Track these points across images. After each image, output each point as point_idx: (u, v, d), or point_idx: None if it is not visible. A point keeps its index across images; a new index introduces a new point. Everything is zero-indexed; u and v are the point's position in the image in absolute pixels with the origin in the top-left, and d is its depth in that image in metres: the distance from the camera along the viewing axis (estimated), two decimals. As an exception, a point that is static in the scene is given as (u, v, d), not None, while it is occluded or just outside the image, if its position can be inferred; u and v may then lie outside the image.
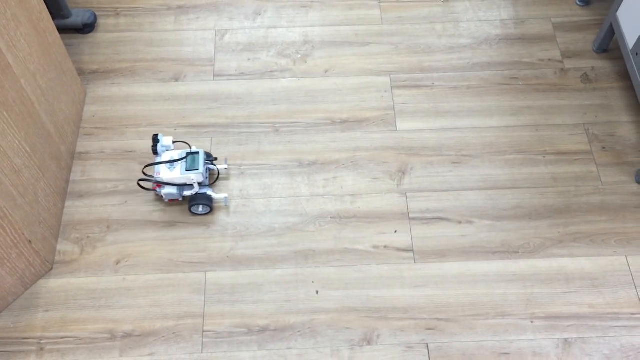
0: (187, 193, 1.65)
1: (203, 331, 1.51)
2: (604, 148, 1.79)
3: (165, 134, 1.82)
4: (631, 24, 1.75)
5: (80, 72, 1.95)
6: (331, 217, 1.67)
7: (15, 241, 1.44)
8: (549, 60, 1.97)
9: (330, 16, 2.09)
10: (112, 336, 1.50)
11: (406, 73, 1.95)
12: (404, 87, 1.92)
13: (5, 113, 1.37)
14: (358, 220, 1.67)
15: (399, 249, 1.62)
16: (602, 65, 1.96)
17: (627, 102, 1.88)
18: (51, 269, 1.60)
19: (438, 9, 2.10)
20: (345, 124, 1.84)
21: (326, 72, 1.95)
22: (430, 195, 1.71)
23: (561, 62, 1.97)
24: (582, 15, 2.09)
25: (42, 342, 1.50)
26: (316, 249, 1.62)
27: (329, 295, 1.55)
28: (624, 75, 1.93)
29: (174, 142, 1.69)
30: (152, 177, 1.64)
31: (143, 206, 1.69)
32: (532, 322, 1.51)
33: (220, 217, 1.67)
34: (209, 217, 1.67)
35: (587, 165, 1.75)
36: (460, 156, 1.78)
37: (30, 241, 1.48)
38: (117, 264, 1.61)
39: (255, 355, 1.47)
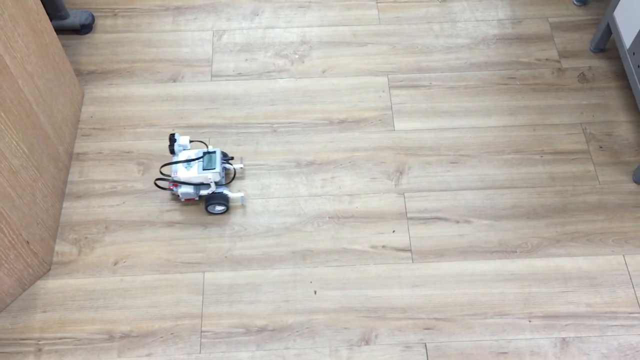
0: (203, 192, 1.65)
1: (201, 331, 1.51)
2: (601, 147, 1.79)
3: (163, 135, 1.82)
4: (628, 24, 1.75)
5: (78, 73, 1.95)
6: (329, 217, 1.67)
7: (13, 242, 1.44)
8: (547, 60, 1.98)
9: (328, 16, 2.09)
10: (110, 337, 1.50)
11: (404, 73, 1.95)
12: (402, 87, 1.92)
13: (2, 114, 1.37)
14: (356, 220, 1.67)
15: (397, 249, 1.62)
16: (599, 64, 1.96)
17: (624, 101, 1.88)
18: (49, 269, 1.60)
19: (435, 9, 2.11)
20: (343, 124, 1.84)
21: (324, 72, 1.96)
22: (428, 195, 1.71)
23: (558, 61, 1.97)
24: (579, 14, 2.09)
25: (40, 343, 1.50)
26: (314, 249, 1.62)
27: (327, 295, 1.55)
28: (621, 75, 1.93)
29: (190, 142, 1.69)
30: (169, 176, 1.64)
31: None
32: (530, 321, 1.51)
33: (218, 217, 1.67)
34: (206, 218, 1.67)
35: (584, 165, 1.76)
36: (458, 156, 1.78)
37: (28, 242, 1.48)
38: (115, 264, 1.60)
39: (254, 355, 1.48)
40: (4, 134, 1.37)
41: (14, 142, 1.42)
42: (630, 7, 1.74)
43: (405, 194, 1.71)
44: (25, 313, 1.54)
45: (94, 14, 2.07)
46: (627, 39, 1.76)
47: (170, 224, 1.66)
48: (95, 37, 2.04)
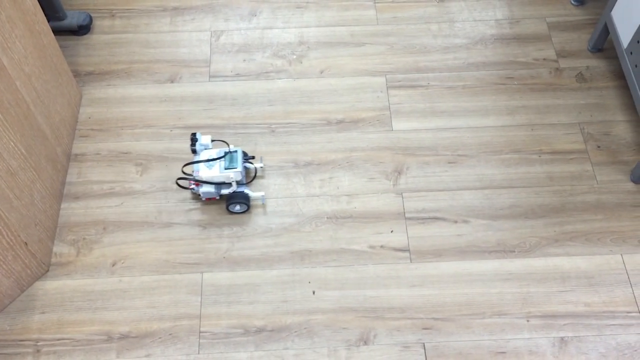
0: (224, 191, 1.65)
1: (200, 332, 1.51)
2: (599, 147, 1.79)
3: (161, 136, 1.82)
4: (625, 23, 1.75)
5: (76, 74, 1.95)
6: (327, 218, 1.67)
7: (11, 243, 1.44)
8: (544, 59, 1.98)
9: (326, 17, 2.09)
10: (109, 338, 1.50)
11: (402, 73, 1.95)
12: (400, 87, 1.92)
13: (0, 115, 1.37)
14: (354, 221, 1.67)
15: (395, 249, 1.62)
16: (596, 64, 1.97)
17: (622, 101, 1.88)
18: (47, 270, 1.60)
19: (433, 9, 2.11)
20: (341, 124, 1.84)
21: (322, 72, 1.96)
22: (426, 194, 1.71)
23: (556, 61, 1.97)
24: (576, 14, 2.09)
25: (38, 344, 1.50)
26: (312, 249, 1.62)
27: (325, 296, 1.55)
28: (619, 75, 1.94)
29: (212, 141, 1.69)
30: (191, 175, 1.63)
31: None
32: (528, 321, 1.51)
33: (216, 217, 1.67)
34: (205, 218, 1.67)
35: (582, 164, 1.76)
36: (456, 156, 1.78)
37: (26, 243, 1.48)
38: (113, 265, 1.60)
39: (252, 355, 1.48)
40: (1, 136, 1.37)
41: (12, 144, 1.42)
42: (628, 7, 1.74)
43: (404, 194, 1.71)
44: (23, 314, 1.54)
45: (92, 15, 2.07)
46: (625, 39, 1.76)
47: (169, 224, 1.66)
48: (93, 38, 2.04)
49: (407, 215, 1.68)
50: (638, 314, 1.52)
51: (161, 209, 1.69)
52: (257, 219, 1.67)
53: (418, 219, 1.67)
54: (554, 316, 1.52)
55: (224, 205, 1.68)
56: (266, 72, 1.96)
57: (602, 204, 1.69)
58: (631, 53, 1.73)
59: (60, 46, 1.93)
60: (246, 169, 1.71)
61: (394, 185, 1.73)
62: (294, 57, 2.00)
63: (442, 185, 1.73)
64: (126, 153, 1.79)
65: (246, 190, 1.66)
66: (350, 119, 1.85)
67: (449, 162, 1.77)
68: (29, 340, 1.50)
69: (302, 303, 1.55)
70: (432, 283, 1.57)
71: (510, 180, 1.73)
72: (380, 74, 1.95)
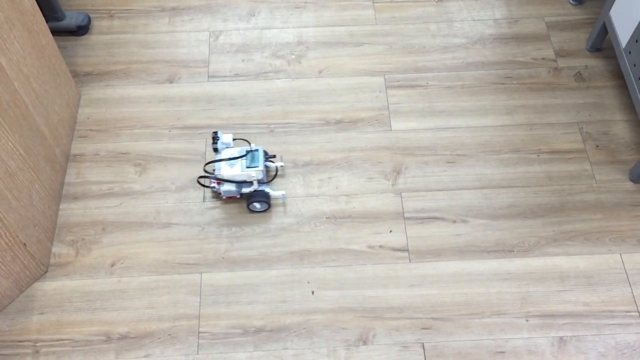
0: (245, 190, 1.65)
1: (199, 332, 1.51)
2: (597, 146, 1.79)
3: (160, 136, 1.82)
4: (624, 23, 1.75)
5: (75, 75, 1.95)
6: (326, 218, 1.67)
7: (10, 244, 1.44)
8: (543, 59, 1.98)
9: (324, 17, 2.09)
10: (108, 338, 1.50)
11: (400, 73, 1.95)
12: (398, 87, 1.92)
13: (-2, 116, 1.37)
14: (353, 221, 1.67)
15: (394, 249, 1.62)
16: (595, 63, 1.97)
17: (620, 100, 1.88)
18: (46, 271, 1.60)
19: (432, 9, 2.11)
20: (340, 124, 1.84)
21: (320, 72, 1.96)
22: (425, 194, 1.71)
23: (555, 61, 1.97)
24: (575, 14, 2.09)
25: (37, 345, 1.49)
26: (311, 249, 1.62)
27: (324, 296, 1.55)
28: (617, 74, 1.94)
29: (234, 140, 1.69)
30: (212, 173, 1.64)
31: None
32: (527, 320, 1.52)
33: (215, 217, 1.67)
34: (203, 219, 1.67)
35: (581, 164, 1.76)
36: (454, 155, 1.78)
37: (24, 244, 1.48)
38: (112, 266, 1.60)
39: (251, 356, 1.48)
40: (0, 136, 1.37)
41: (10, 144, 1.42)
42: (626, 6, 1.74)
43: (402, 194, 1.71)
44: (22, 315, 1.53)
45: (90, 15, 2.07)
46: (623, 38, 1.76)
47: (168, 224, 1.66)
48: (91, 38, 2.04)
49: (406, 215, 1.68)
50: (637, 314, 1.52)
51: (160, 210, 1.69)
52: (256, 219, 1.67)
53: (417, 218, 1.67)
54: (553, 316, 1.52)
55: (244, 204, 1.68)
56: (265, 72, 1.96)
57: (601, 204, 1.69)
58: (630, 52, 1.73)
59: (59, 47, 1.93)
60: (267, 167, 1.71)
61: (392, 185, 1.73)
62: (293, 57, 2.00)
63: (441, 185, 1.73)
64: (125, 153, 1.79)
65: (267, 189, 1.66)
66: (349, 119, 1.85)
67: (448, 162, 1.77)
68: (27, 341, 1.50)
69: (301, 303, 1.55)
70: (431, 283, 1.57)
71: (509, 179, 1.73)
72: (379, 73, 1.95)
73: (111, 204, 1.70)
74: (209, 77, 1.95)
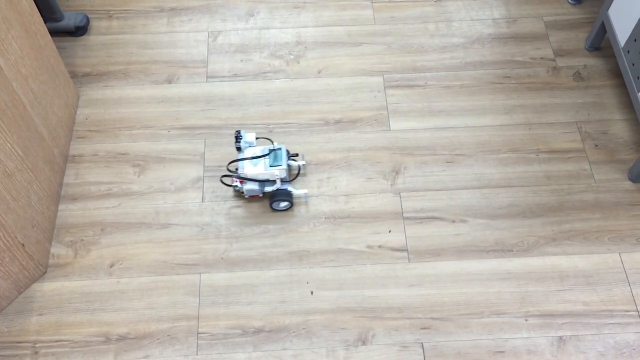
0: (268, 189, 1.65)
1: (198, 333, 1.51)
2: (596, 146, 1.79)
3: (159, 136, 1.82)
4: (622, 22, 1.75)
5: (73, 75, 1.95)
6: (325, 218, 1.67)
7: (9, 245, 1.44)
8: (542, 58, 1.98)
9: (323, 17, 2.09)
10: (107, 339, 1.50)
11: (399, 73, 1.95)
12: (397, 86, 1.92)
13: (-3, 117, 1.37)
14: (352, 221, 1.67)
15: (393, 249, 1.62)
16: (594, 63, 1.97)
17: (619, 99, 1.88)
18: (45, 272, 1.60)
19: (430, 9, 2.11)
20: (339, 124, 1.84)
21: (319, 72, 1.95)
22: (424, 194, 1.71)
23: (553, 60, 1.97)
24: (573, 13, 2.09)
25: (36, 346, 1.49)
26: (310, 249, 1.62)
27: (323, 296, 1.55)
28: (616, 73, 1.94)
29: (256, 139, 1.69)
30: (235, 172, 1.64)
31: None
32: (526, 320, 1.51)
33: (214, 218, 1.67)
34: (202, 219, 1.67)
35: (580, 163, 1.76)
36: (453, 155, 1.78)
37: (23, 245, 1.48)
38: (111, 266, 1.60)
39: (251, 356, 1.47)
40: (-2, 137, 1.37)
41: (9, 145, 1.42)
42: (625, 6, 1.74)
43: (401, 194, 1.71)
44: (21, 316, 1.53)
45: (89, 16, 2.07)
46: (622, 37, 1.76)
47: (167, 225, 1.66)
48: (90, 39, 2.04)
49: (405, 215, 1.68)
50: (636, 313, 1.52)
51: (159, 210, 1.69)
52: (255, 220, 1.67)
53: (416, 218, 1.67)
54: (552, 315, 1.52)
55: (267, 203, 1.67)
56: (264, 73, 1.96)
57: (600, 203, 1.69)
58: (628, 51, 1.73)
59: (57, 47, 1.92)
60: (289, 166, 1.70)
61: (391, 185, 1.73)
62: (292, 57, 2.00)
63: (440, 185, 1.72)
64: (124, 154, 1.79)
65: (289, 188, 1.66)
66: (348, 118, 1.85)
67: (447, 162, 1.77)
68: (26, 342, 1.50)
69: (301, 303, 1.54)
70: (430, 283, 1.57)
71: (508, 179, 1.73)
72: (377, 73, 1.95)
73: (110, 205, 1.70)
74: (207, 77, 1.95)
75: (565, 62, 1.97)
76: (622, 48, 1.76)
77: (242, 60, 1.99)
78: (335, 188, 1.72)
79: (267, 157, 1.63)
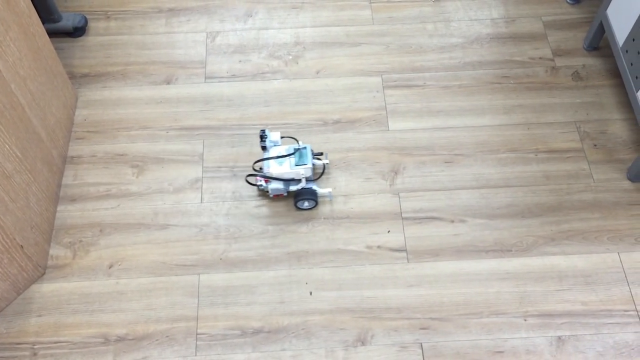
0: (292, 188, 1.65)
1: (197, 334, 1.51)
2: (595, 145, 1.79)
3: (158, 137, 1.81)
4: (621, 22, 1.75)
5: (71, 76, 1.95)
6: (324, 218, 1.67)
7: (7, 246, 1.44)
8: (540, 58, 1.98)
9: (321, 17, 2.09)
10: (106, 340, 1.50)
11: (398, 73, 1.95)
12: (396, 87, 1.92)
13: (-5, 118, 1.36)
14: (351, 221, 1.67)
15: (392, 249, 1.62)
16: (592, 62, 1.97)
17: (618, 99, 1.88)
18: (44, 273, 1.59)
19: (429, 9, 2.11)
20: (338, 124, 1.84)
21: (318, 73, 1.95)
22: (423, 194, 1.71)
23: (552, 60, 1.97)
24: (572, 13, 2.09)
25: (35, 347, 1.49)
26: (309, 250, 1.62)
27: (322, 296, 1.55)
28: (615, 73, 1.94)
29: (282, 137, 1.70)
30: (260, 170, 1.64)
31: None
32: (525, 320, 1.51)
33: (212, 218, 1.67)
34: (200, 220, 1.67)
35: (579, 163, 1.76)
36: (452, 155, 1.78)
37: (22, 246, 1.48)
38: (110, 267, 1.60)
39: (250, 357, 1.47)
40: (-4, 138, 1.37)
41: (7, 146, 1.41)
42: (623, 5, 1.74)
43: (400, 194, 1.71)
44: (20, 317, 1.53)
45: (87, 17, 2.07)
46: (620, 37, 1.76)
47: (165, 226, 1.66)
48: (88, 39, 2.04)
49: (404, 215, 1.67)
50: (635, 313, 1.52)
51: (157, 211, 1.69)
52: (254, 220, 1.67)
53: (415, 218, 1.67)
54: (551, 315, 1.52)
55: (292, 202, 1.67)
56: (262, 73, 1.96)
57: (599, 203, 1.69)
58: (627, 51, 1.73)
59: (56, 48, 1.92)
60: (313, 165, 1.70)
61: (390, 185, 1.73)
62: (290, 57, 1.99)
63: (438, 185, 1.72)
64: (122, 155, 1.79)
65: (314, 187, 1.66)
66: (347, 119, 1.85)
67: (446, 162, 1.77)
68: (25, 343, 1.50)
69: (299, 304, 1.54)
70: (429, 283, 1.57)
71: (507, 179, 1.73)
72: (376, 73, 1.95)
73: (108, 206, 1.70)
74: (206, 78, 1.95)
75: (563, 62, 1.97)
76: (620, 48, 1.76)
77: (240, 61, 1.99)
78: (334, 188, 1.72)
79: (292, 156, 1.63)
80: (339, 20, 2.08)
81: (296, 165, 1.62)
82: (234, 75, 1.95)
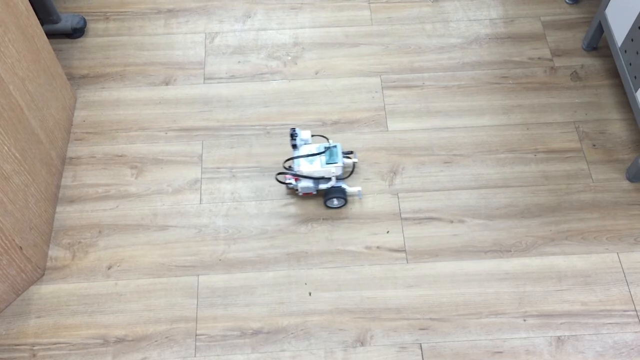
0: (322, 186, 1.65)
1: (196, 335, 1.51)
2: (594, 145, 1.79)
3: (156, 138, 1.81)
4: (619, 22, 1.75)
5: (70, 77, 1.94)
6: (323, 219, 1.67)
7: (6, 247, 1.43)
8: (539, 58, 1.98)
9: (320, 17, 2.09)
10: (105, 341, 1.50)
11: (396, 73, 1.95)
12: (395, 87, 1.92)
13: (-7, 119, 1.36)
14: (350, 221, 1.67)
15: (391, 250, 1.62)
16: (591, 62, 1.97)
17: (616, 99, 1.88)
18: (43, 275, 1.59)
19: (428, 9, 2.11)
20: (337, 125, 1.84)
21: (317, 73, 1.95)
22: (422, 195, 1.71)
23: (551, 60, 1.97)
24: (571, 13, 2.09)
25: (34, 348, 1.49)
26: (308, 250, 1.62)
27: (322, 297, 1.55)
28: (614, 73, 1.94)
29: (312, 136, 1.70)
30: (290, 168, 1.65)
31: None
32: (524, 320, 1.51)
33: (211, 219, 1.67)
34: (200, 221, 1.67)
35: (578, 163, 1.76)
36: (451, 155, 1.78)
37: (21, 247, 1.48)
38: (109, 268, 1.60)
39: (249, 358, 1.47)
40: (-5, 140, 1.37)
41: (6, 148, 1.41)
42: (622, 5, 1.74)
43: (399, 194, 1.71)
44: (19, 318, 1.53)
45: (86, 18, 2.07)
46: (619, 37, 1.76)
47: (164, 227, 1.66)
48: (87, 40, 2.04)
49: (403, 215, 1.67)
50: (634, 313, 1.52)
51: (157, 212, 1.69)
52: (253, 221, 1.67)
53: (414, 219, 1.67)
54: (550, 315, 1.52)
55: (321, 200, 1.67)
56: (261, 74, 1.96)
57: (598, 203, 1.69)
58: (625, 51, 1.73)
59: (54, 49, 1.93)
60: (343, 163, 1.71)
61: (389, 185, 1.73)
62: (289, 58, 1.99)
63: (437, 185, 1.72)
64: (121, 156, 1.79)
65: (343, 185, 1.66)
66: (346, 119, 1.85)
67: (445, 162, 1.77)
68: (24, 344, 1.50)
69: (299, 305, 1.54)
70: (429, 283, 1.57)
71: (506, 179, 1.73)
72: (375, 74, 1.95)
73: (107, 207, 1.70)
74: (204, 79, 1.95)
75: (562, 62, 1.97)
76: (619, 48, 1.76)
77: (239, 62, 1.99)
78: (333, 189, 1.72)
79: (323, 154, 1.63)
80: (337, 20, 2.08)
81: (327, 164, 1.62)
82: (232, 76, 1.95)
